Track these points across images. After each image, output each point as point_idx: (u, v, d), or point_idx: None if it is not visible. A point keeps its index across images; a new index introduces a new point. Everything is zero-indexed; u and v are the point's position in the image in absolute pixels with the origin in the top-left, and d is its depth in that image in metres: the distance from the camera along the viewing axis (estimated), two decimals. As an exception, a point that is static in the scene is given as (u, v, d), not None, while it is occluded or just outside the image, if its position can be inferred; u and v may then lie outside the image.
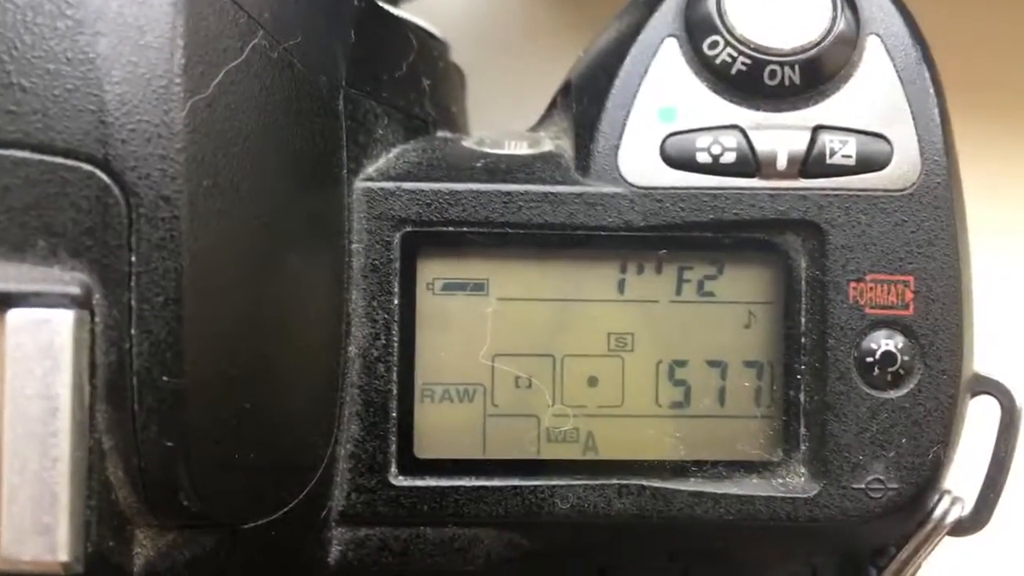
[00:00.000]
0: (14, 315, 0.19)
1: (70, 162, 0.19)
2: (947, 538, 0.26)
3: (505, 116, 0.32)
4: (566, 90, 0.27)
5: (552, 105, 0.28)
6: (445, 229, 0.24)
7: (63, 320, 0.19)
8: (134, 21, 0.19)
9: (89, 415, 0.19)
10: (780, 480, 0.24)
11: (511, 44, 0.40)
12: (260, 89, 0.21)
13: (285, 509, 0.22)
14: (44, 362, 0.19)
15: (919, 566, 0.26)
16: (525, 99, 0.30)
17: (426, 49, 0.28)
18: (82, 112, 0.19)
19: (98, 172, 0.19)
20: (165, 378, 0.20)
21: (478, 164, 0.25)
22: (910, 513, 0.25)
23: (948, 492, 0.25)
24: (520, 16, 0.40)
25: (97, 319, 0.19)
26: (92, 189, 0.19)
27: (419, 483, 0.24)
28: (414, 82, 0.27)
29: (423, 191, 0.24)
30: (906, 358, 0.24)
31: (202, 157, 0.20)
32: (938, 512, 0.25)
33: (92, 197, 0.19)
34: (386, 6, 0.28)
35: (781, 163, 0.24)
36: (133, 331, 0.19)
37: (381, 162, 0.25)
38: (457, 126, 0.30)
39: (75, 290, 0.19)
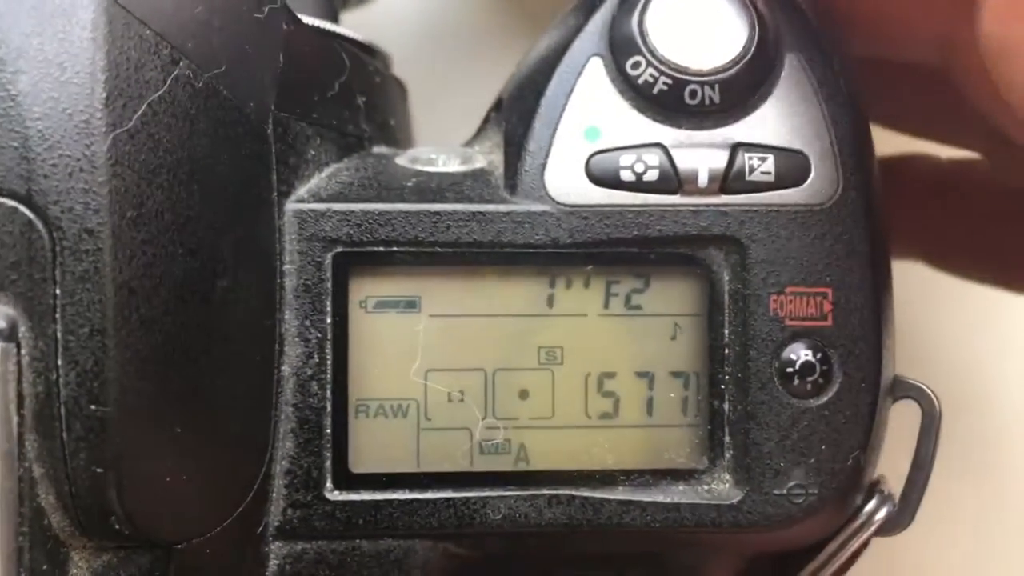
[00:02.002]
0: (-60, 350, 0.19)
1: (-7, 198, 0.20)
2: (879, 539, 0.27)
3: (452, 125, 0.32)
4: (498, 105, 0.28)
5: (487, 119, 0.29)
6: (376, 249, 0.25)
7: (-11, 353, 0.19)
8: (54, 58, 0.20)
9: (18, 444, 0.20)
10: (706, 487, 0.25)
11: (456, 52, 0.40)
12: (184, 119, 0.21)
13: (220, 527, 0.23)
14: (-30, 396, 0.19)
15: (852, 561, 0.27)
16: (471, 107, 0.31)
17: (360, 66, 0.28)
18: (4, 149, 0.20)
19: (21, 207, 0.20)
20: (93, 407, 0.20)
21: (409, 183, 0.26)
22: (831, 517, 0.25)
23: (880, 490, 0.26)
24: (466, 24, 0.41)
25: (23, 351, 0.20)
26: (16, 224, 0.20)
27: (354, 497, 0.25)
28: (348, 100, 0.27)
29: (353, 212, 0.25)
30: (825, 367, 0.25)
31: (125, 189, 0.20)
32: (869, 507, 0.26)
33: (16, 232, 0.20)
34: (322, 23, 0.28)
35: (702, 180, 0.25)
36: (60, 362, 0.20)
37: (313, 183, 0.25)
38: (396, 139, 0.30)
39: (0, 324, 0.19)
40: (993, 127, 0.26)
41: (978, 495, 0.40)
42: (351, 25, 0.30)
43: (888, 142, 0.27)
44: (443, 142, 0.29)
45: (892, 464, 0.27)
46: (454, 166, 0.27)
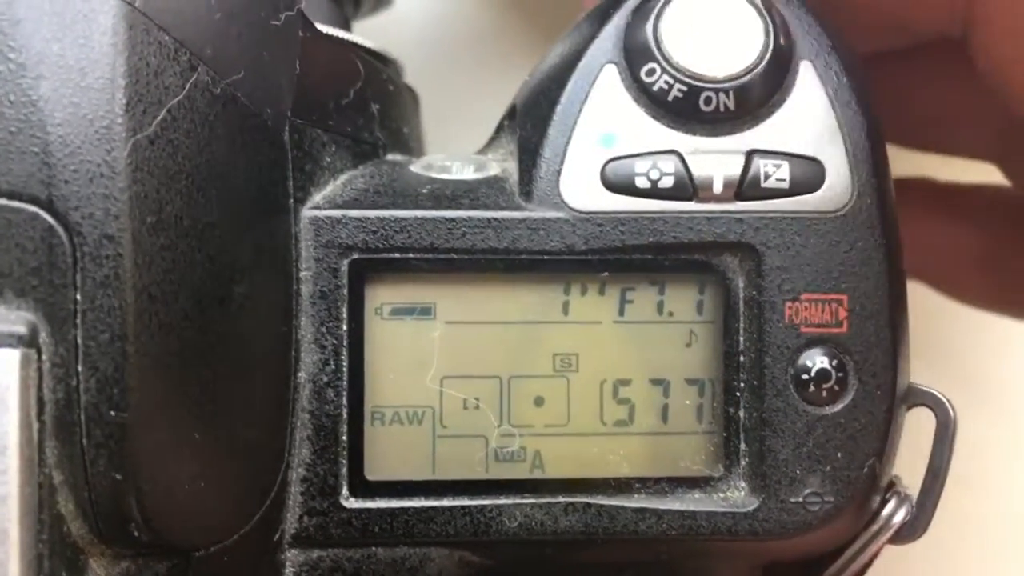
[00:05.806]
0: (-40, 356, 0.19)
1: (14, 204, 0.20)
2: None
3: (461, 133, 0.32)
4: (512, 113, 0.28)
5: (500, 127, 0.29)
6: (392, 255, 0.25)
7: (10, 359, 0.19)
8: (75, 63, 0.20)
9: (38, 451, 0.20)
10: (721, 495, 0.25)
11: (467, 61, 0.40)
12: (203, 125, 0.21)
13: (238, 534, 0.23)
14: (-9, 402, 0.19)
15: (864, 570, 0.27)
16: (481, 116, 0.31)
17: (375, 73, 0.28)
18: (25, 154, 0.20)
19: (42, 213, 0.20)
20: (112, 413, 0.20)
21: (424, 190, 0.26)
22: (847, 524, 0.25)
23: (897, 492, 0.26)
24: (475, 33, 0.41)
25: (44, 357, 0.20)
26: (37, 230, 0.20)
27: (370, 505, 0.24)
28: (362, 107, 0.27)
29: (369, 219, 0.25)
30: (841, 374, 0.25)
31: (145, 195, 0.20)
32: (887, 510, 0.26)
33: (37, 238, 0.20)
34: (336, 32, 0.28)
35: (717, 187, 0.25)
36: (80, 368, 0.20)
37: (328, 190, 0.25)
38: (409, 147, 0.30)
39: (21, 329, 0.19)
40: (1009, 117, 0.26)
41: (980, 503, 0.40)
42: (362, 33, 0.30)
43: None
44: (454, 150, 0.29)
45: (897, 470, 0.27)
46: (468, 173, 0.27)
